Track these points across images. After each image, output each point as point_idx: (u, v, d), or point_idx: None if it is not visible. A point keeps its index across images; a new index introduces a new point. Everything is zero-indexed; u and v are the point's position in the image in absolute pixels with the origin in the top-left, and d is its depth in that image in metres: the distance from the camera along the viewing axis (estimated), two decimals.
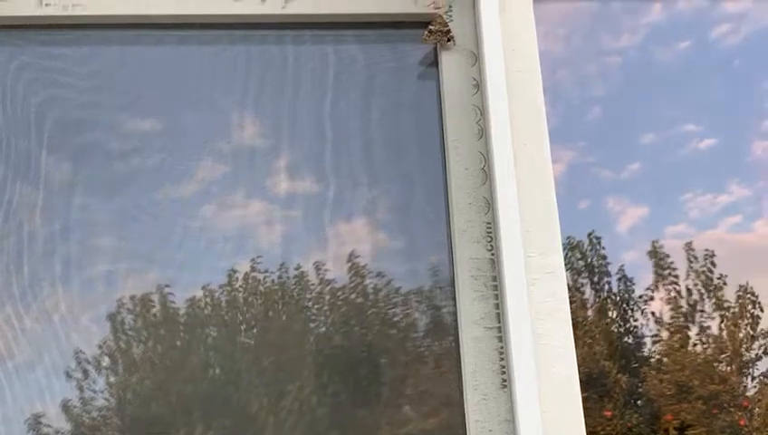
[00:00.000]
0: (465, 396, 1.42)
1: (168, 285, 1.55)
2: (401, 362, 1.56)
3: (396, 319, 1.57)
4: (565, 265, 1.49)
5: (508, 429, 1.39)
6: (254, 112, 1.69)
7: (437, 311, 1.56)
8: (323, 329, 1.59)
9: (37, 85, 1.66)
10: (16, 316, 1.50)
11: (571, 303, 1.44)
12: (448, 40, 1.61)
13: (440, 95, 1.60)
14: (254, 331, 1.59)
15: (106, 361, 1.51)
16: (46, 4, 1.65)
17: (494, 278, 1.47)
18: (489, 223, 1.50)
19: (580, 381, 1.39)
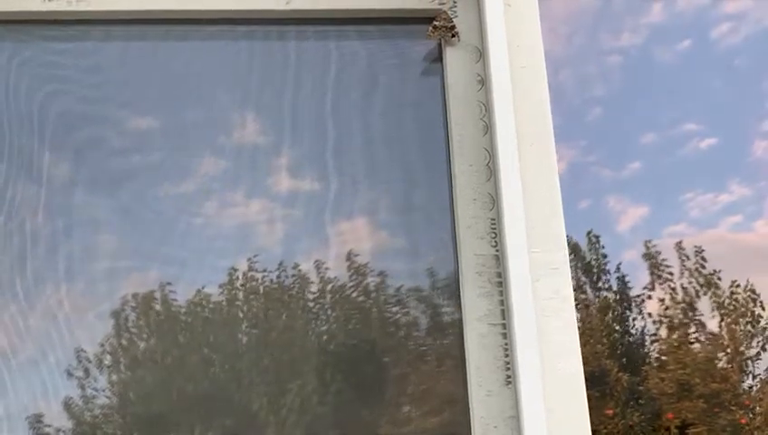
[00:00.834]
0: (469, 392, 1.41)
1: (169, 283, 1.55)
2: (405, 360, 1.56)
3: (399, 317, 1.57)
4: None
5: (513, 425, 1.38)
6: (255, 109, 1.69)
7: (441, 308, 1.56)
8: (325, 327, 1.59)
9: (40, 81, 1.66)
10: (20, 314, 1.50)
11: None
12: (453, 36, 1.60)
13: (444, 91, 1.60)
14: (256, 329, 1.59)
15: (108, 359, 1.51)
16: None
17: (499, 275, 1.47)
18: (494, 219, 1.50)
19: None
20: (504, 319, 1.44)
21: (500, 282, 1.46)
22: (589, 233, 8.40)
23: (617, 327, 8.12)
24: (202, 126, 1.66)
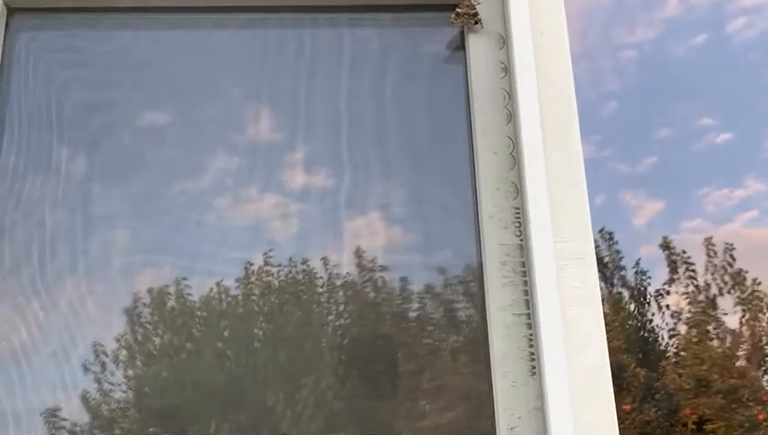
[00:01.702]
0: (494, 383, 1.40)
1: (184, 278, 1.55)
2: (429, 355, 1.55)
3: (419, 307, 1.56)
4: None
5: (538, 416, 1.37)
6: (268, 98, 1.68)
7: (463, 299, 1.54)
8: (342, 322, 1.58)
9: (54, 73, 1.65)
10: (39, 308, 1.50)
11: None
12: (476, 23, 1.59)
13: (467, 79, 1.58)
14: (271, 324, 1.58)
15: (124, 353, 1.51)
16: None
17: (523, 264, 1.45)
18: (518, 208, 1.48)
19: None
20: (528, 309, 1.42)
21: (524, 272, 1.44)
22: (602, 230, 8.37)
23: (634, 323, 8.09)
24: (216, 119, 1.65)
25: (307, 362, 1.53)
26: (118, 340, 1.51)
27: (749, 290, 7.83)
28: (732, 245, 8.03)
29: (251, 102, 1.68)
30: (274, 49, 1.69)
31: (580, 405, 1.34)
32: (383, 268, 1.56)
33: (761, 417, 6.97)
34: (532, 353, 1.40)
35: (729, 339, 7.81)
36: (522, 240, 1.47)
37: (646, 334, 8.05)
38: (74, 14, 1.68)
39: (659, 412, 7.10)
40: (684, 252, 8.30)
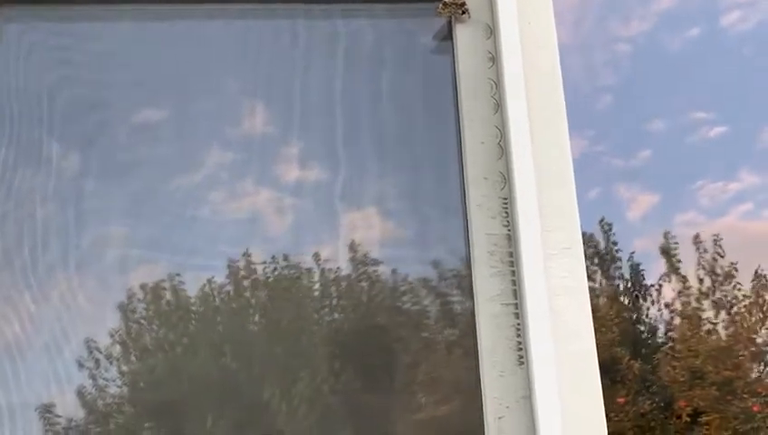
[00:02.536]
0: (481, 373, 1.40)
1: (179, 274, 1.55)
2: (418, 346, 1.55)
3: (410, 303, 1.56)
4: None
5: (525, 405, 1.37)
6: (264, 93, 1.67)
7: (453, 293, 1.55)
8: (335, 316, 1.58)
9: (47, 66, 1.65)
10: (32, 302, 1.49)
11: None
12: (463, 13, 1.58)
13: (455, 69, 1.58)
14: (266, 318, 1.58)
15: (118, 348, 1.51)
16: None
17: (511, 254, 1.45)
18: (505, 198, 1.48)
19: None
20: (516, 299, 1.43)
21: (512, 262, 1.45)
22: (601, 221, 8.38)
23: (628, 315, 8.10)
24: (211, 113, 1.65)
25: (302, 356, 1.53)
26: (112, 335, 1.51)
27: (744, 285, 7.84)
28: (720, 237, 8.04)
29: (245, 95, 1.67)
30: (269, 40, 1.69)
31: (568, 394, 1.34)
32: (377, 262, 1.56)
33: (755, 409, 6.98)
34: (520, 343, 1.40)
35: (722, 331, 7.84)
36: (509, 230, 1.47)
37: (640, 327, 8.07)
38: (65, 5, 1.67)
39: (654, 405, 7.11)
40: (677, 243, 8.32)
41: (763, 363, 7.58)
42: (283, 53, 1.68)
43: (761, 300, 7.72)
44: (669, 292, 8.32)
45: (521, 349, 1.40)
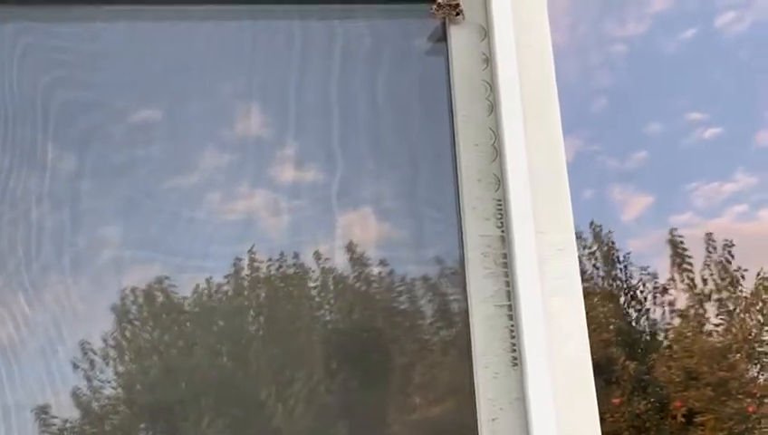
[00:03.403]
0: (475, 374, 1.40)
1: (174, 274, 1.54)
2: (411, 347, 1.55)
3: (405, 301, 1.56)
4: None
5: (519, 407, 1.37)
6: (259, 94, 1.67)
7: (448, 294, 1.55)
8: (331, 317, 1.58)
9: (42, 67, 1.64)
10: (19, 305, 1.49)
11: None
12: (457, 14, 1.58)
13: (449, 70, 1.58)
14: (262, 319, 1.58)
15: (114, 350, 1.50)
16: None
17: (505, 256, 1.45)
18: (499, 200, 1.48)
19: None
20: (509, 300, 1.43)
21: (506, 263, 1.45)
22: (592, 223, 8.40)
23: (624, 315, 8.12)
24: (206, 113, 1.65)
25: (299, 355, 1.53)
26: (108, 336, 1.50)
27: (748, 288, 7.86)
28: (712, 237, 8.08)
29: (241, 97, 1.67)
30: (264, 41, 1.69)
31: (562, 395, 1.35)
32: (373, 262, 1.56)
33: (750, 409, 7.00)
34: (514, 344, 1.40)
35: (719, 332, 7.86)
36: (503, 232, 1.47)
37: (636, 327, 8.09)
38: (59, 6, 1.67)
39: (649, 405, 7.13)
40: (680, 243, 8.35)
41: (758, 365, 7.59)
42: (279, 54, 1.68)
43: (759, 301, 7.74)
44: (666, 292, 8.33)
45: (515, 350, 1.40)
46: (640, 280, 8.31)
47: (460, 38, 1.59)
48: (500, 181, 1.49)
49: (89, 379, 1.48)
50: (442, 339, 1.57)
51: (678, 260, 8.35)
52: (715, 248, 8.20)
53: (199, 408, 1.48)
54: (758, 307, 7.57)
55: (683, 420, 7.10)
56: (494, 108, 1.54)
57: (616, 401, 6.88)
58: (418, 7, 1.63)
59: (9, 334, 1.47)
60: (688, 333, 7.75)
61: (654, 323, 8.23)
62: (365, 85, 1.66)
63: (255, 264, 1.55)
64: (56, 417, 1.45)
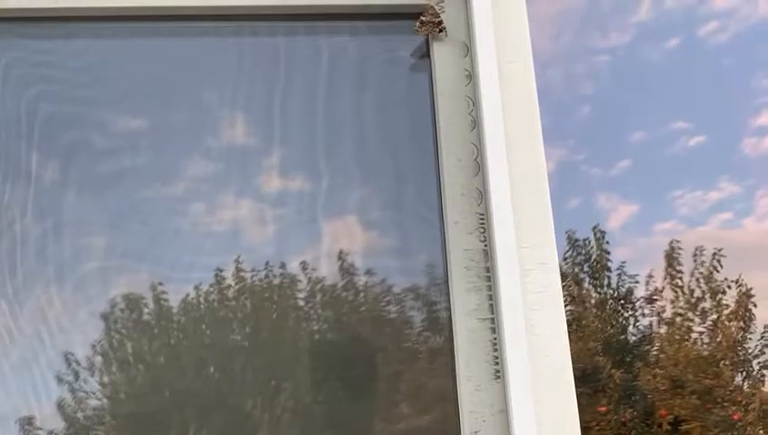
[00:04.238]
0: (458, 387, 1.41)
1: (160, 283, 1.55)
2: (396, 358, 1.56)
3: (390, 315, 1.57)
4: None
5: (502, 419, 1.38)
6: (244, 107, 1.68)
7: (431, 305, 1.56)
8: (317, 326, 1.59)
9: (27, 81, 1.65)
10: (9, 314, 1.49)
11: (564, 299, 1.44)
12: (440, 31, 1.60)
13: (432, 86, 1.59)
14: (248, 329, 1.59)
15: (99, 360, 1.51)
16: None
17: (488, 269, 1.46)
18: (482, 214, 1.50)
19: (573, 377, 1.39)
20: (492, 314, 1.44)
21: (488, 277, 1.46)
22: (568, 233, 8.42)
23: (610, 324, 8.14)
24: (192, 126, 1.65)
25: (284, 365, 1.53)
26: (93, 347, 1.51)
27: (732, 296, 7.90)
28: (702, 250, 8.13)
29: (226, 110, 1.68)
30: (250, 55, 1.70)
31: (543, 408, 1.36)
32: (359, 272, 1.57)
33: (735, 417, 7.02)
34: (497, 357, 1.42)
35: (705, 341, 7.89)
36: (486, 246, 1.48)
37: (622, 336, 8.10)
38: (45, 22, 1.68)
39: (635, 413, 7.15)
40: (668, 252, 8.38)
41: (744, 372, 7.63)
42: (266, 67, 1.69)
43: (742, 309, 7.77)
44: (652, 301, 8.36)
45: (497, 363, 1.41)
46: (628, 288, 8.34)
47: (443, 54, 1.61)
48: (482, 196, 1.51)
49: (74, 390, 1.48)
50: (427, 350, 1.58)
51: (670, 270, 8.39)
52: (702, 256, 8.24)
53: (185, 418, 1.49)
54: (741, 314, 7.60)
55: (669, 428, 7.12)
56: (476, 123, 1.55)
57: (602, 409, 6.89)
58: (403, 24, 1.64)
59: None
60: (673, 343, 7.78)
61: (640, 331, 8.26)
62: (351, 98, 1.67)
63: (241, 273, 1.56)
64: (41, 429, 1.45)
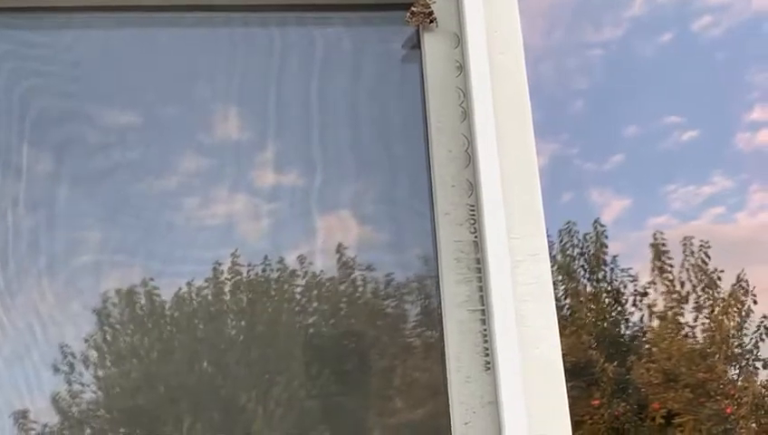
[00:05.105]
0: (448, 379, 1.41)
1: (153, 278, 1.55)
2: (389, 352, 1.56)
3: (384, 308, 1.57)
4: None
5: (492, 411, 1.38)
6: (237, 99, 1.68)
7: (423, 298, 1.56)
8: (311, 320, 1.59)
9: (19, 74, 1.65)
10: (3, 308, 1.49)
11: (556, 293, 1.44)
12: (431, 21, 1.60)
13: (423, 77, 1.59)
14: (242, 323, 1.59)
15: (93, 354, 1.51)
16: None
17: (478, 261, 1.46)
18: (472, 205, 1.50)
19: (567, 371, 1.39)
20: (482, 305, 1.44)
21: (479, 268, 1.46)
22: (562, 230, 8.43)
23: (603, 318, 8.16)
24: (184, 119, 1.65)
25: (278, 359, 1.53)
26: (87, 340, 1.51)
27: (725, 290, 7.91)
28: (691, 241, 8.15)
29: (220, 102, 1.68)
30: (242, 47, 1.70)
31: (534, 399, 1.36)
32: (353, 266, 1.57)
33: (728, 411, 7.05)
34: (487, 349, 1.42)
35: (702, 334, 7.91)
36: (476, 237, 1.48)
37: (615, 329, 8.12)
38: (36, 14, 1.67)
39: (628, 407, 7.16)
40: (660, 246, 8.40)
41: (737, 366, 7.65)
42: (258, 59, 1.68)
43: (737, 303, 7.79)
44: (645, 294, 8.38)
45: (487, 355, 1.41)
46: (621, 282, 8.36)
47: (434, 45, 1.60)
48: (473, 187, 1.51)
49: (68, 383, 1.48)
50: (418, 343, 1.58)
51: (658, 263, 8.40)
52: (692, 252, 8.26)
53: (179, 412, 1.49)
54: (735, 308, 7.62)
55: (662, 421, 7.14)
56: (467, 114, 1.55)
57: (595, 402, 6.90)
58: (395, 15, 1.64)
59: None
60: (666, 336, 7.79)
61: (633, 324, 8.28)
62: (344, 90, 1.67)
63: (235, 267, 1.56)
64: (35, 422, 1.45)
